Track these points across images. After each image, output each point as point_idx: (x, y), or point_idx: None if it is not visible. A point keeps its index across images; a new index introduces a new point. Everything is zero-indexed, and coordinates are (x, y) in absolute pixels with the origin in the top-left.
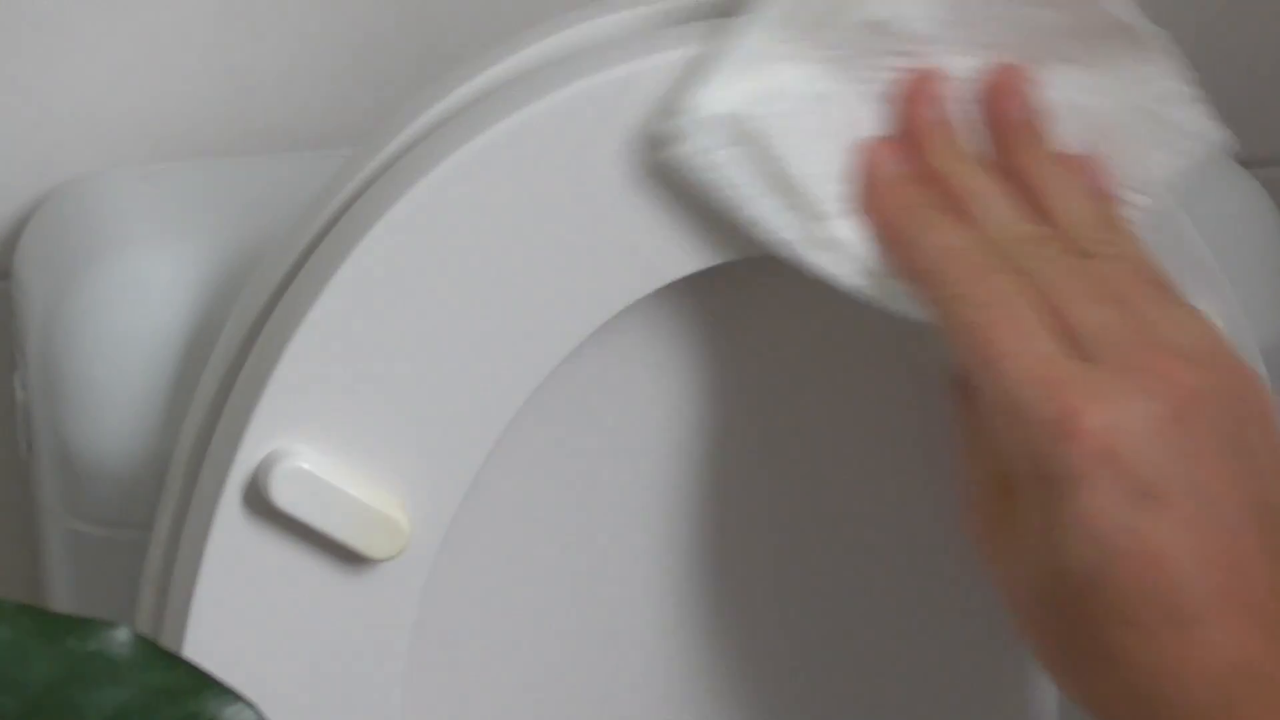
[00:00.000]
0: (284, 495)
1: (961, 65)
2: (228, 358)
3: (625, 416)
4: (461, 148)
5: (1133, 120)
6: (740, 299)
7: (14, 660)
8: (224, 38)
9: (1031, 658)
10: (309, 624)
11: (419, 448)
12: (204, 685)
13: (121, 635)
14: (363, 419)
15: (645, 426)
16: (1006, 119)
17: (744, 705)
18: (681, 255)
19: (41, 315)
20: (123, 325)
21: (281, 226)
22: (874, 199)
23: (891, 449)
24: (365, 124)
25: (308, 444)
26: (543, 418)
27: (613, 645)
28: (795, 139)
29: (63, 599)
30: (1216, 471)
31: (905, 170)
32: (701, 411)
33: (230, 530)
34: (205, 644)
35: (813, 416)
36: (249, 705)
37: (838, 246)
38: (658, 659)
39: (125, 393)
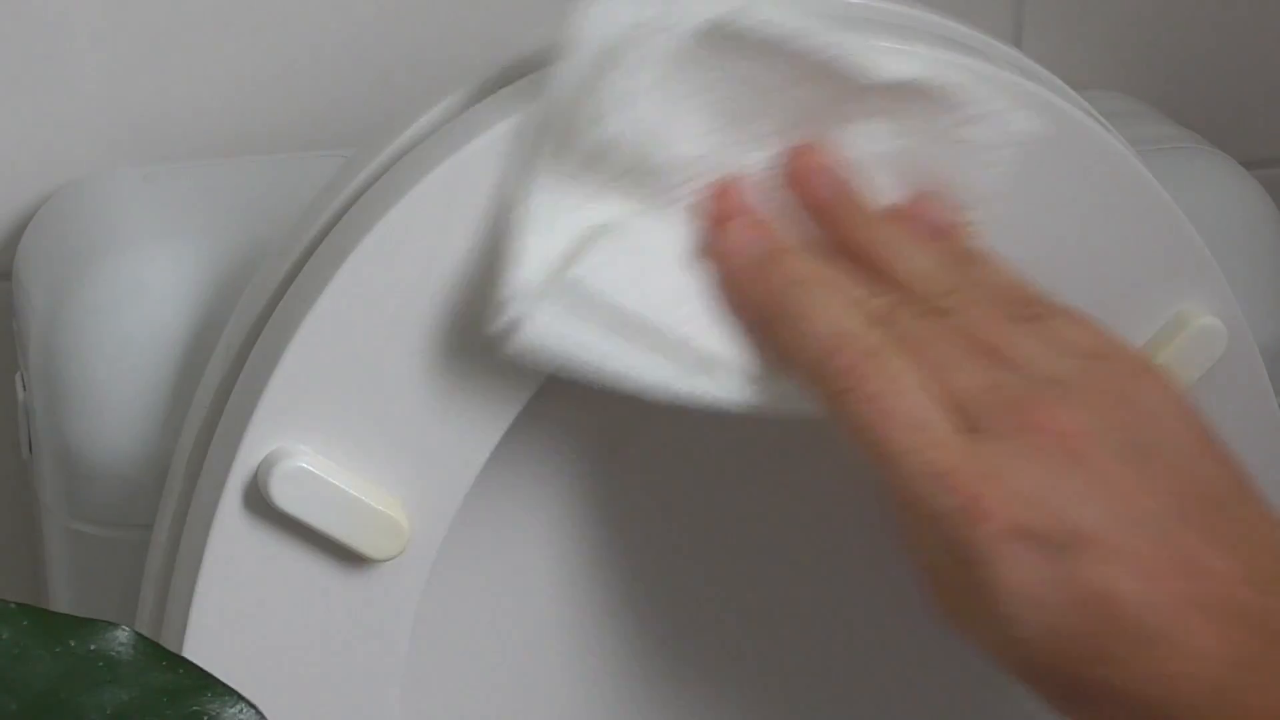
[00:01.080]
0: (284, 495)
1: (753, 159)
2: (228, 358)
3: (626, 417)
4: (462, 148)
5: (936, 150)
6: None
7: (15, 660)
8: (224, 39)
9: None
10: (309, 624)
11: (419, 448)
12: (205, 685)
13: (122, 635)
14: (363, 419)
15: (646, 427)
16: (819, 198)
17: (741, 707)
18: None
19: (43, 316)
20: (123, 326)
21: (282, 227)
22: (735, 293)
23: None
24: (365, 125)
25: (308, 444)
26: (543, 418)
27: (612, 646)
28: (625, 282)
29: (63, 599)
30: (1129, 489)
31: (756, 255)
32: (704, 413)
33: (231, 530)
34: (206, 644)
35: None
36: (249, 705)
37: (711, 365)
38: (656, 660)
39: (126, 393)
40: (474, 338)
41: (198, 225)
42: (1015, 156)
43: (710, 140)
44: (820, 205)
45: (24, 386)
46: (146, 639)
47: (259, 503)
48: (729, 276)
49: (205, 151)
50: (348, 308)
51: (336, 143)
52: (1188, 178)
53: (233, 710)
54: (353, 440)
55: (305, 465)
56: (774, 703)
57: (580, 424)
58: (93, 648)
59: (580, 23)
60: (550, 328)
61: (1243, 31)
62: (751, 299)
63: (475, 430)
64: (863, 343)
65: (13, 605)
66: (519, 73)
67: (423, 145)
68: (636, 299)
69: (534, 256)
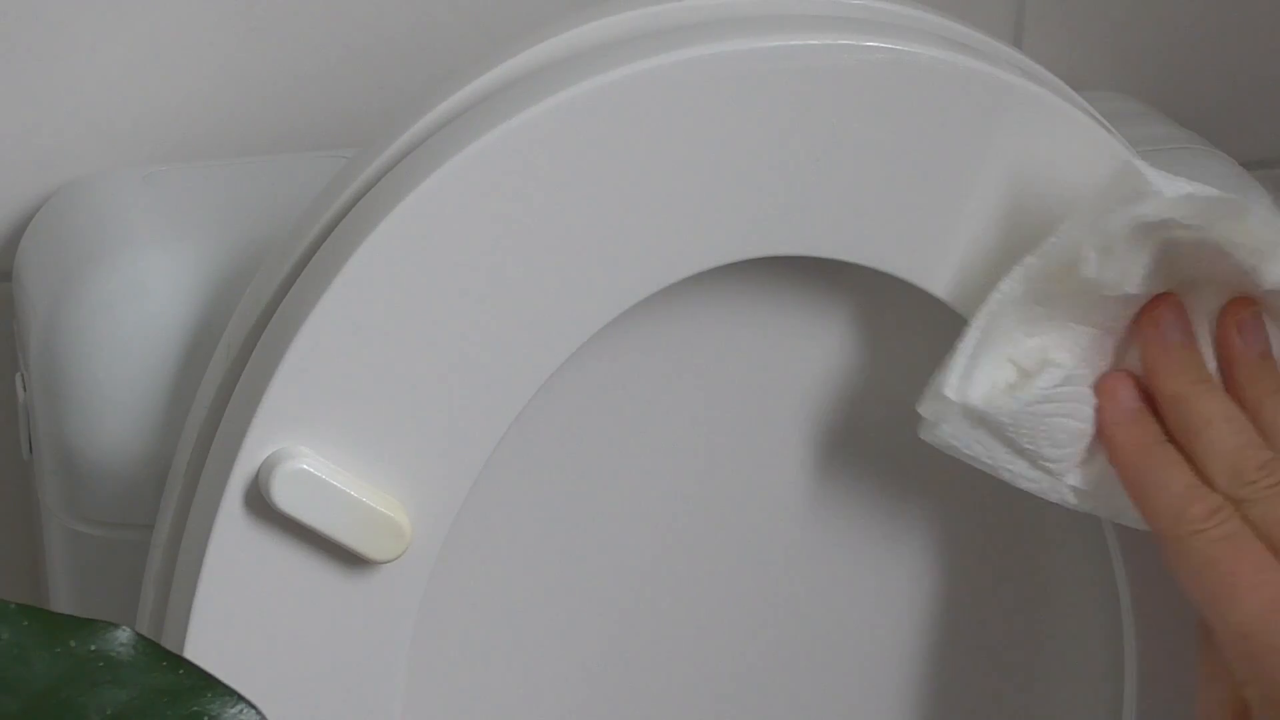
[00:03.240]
0: (285, 497)
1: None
2: (229, 359)
3: (626, 418)
4: (463, 150)
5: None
6: (744, 301)
7: (15, 660)
8: (225, 40)
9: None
10: (310, 625)
11: (420, 449)
12: (206, 686)
13: (123, 636)
14: (364, 421)
15: (647, 428)
16: (1240, 352)
17: (744, 706)
18: (685, 256)
19: (43, 316)
20: (124, 326)
21: (283, 228)
22: (1111, 437)
23: (897, 447)
24: (367, 126)
25: (309, 445)
26: (544, 419)
27: (614, 646)
28: (1031, 426)
29: (64, 600)
30: None
31: (1138, 405)
32: (704, 413)
33: (232, 531)
34: (207, 645)
35: (822, 412)
36: (250, 706)
37: (1079, 492)
38: (659, 659)
39: (127, 394)
40: (474, 338)
41: (198, 225)
42: None
43: (1137, 282)
44: (1237, 357)
45: (24, 386)
46: (147, 639)
47: (260, 504)
48: (1107, 422)
49: (205, 151)
50: (348, 309)
51: (336, 143)
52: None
53: (233, 711)
54: (354, 442)
55: (306, 467)
56: (776, 702)
57: (580, 424)
58: (93, 648)
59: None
60: (960, 436)
61: (1243, 31)
62: (1119, 450)
63: (475, 431)
64: (1216, 498)
65: (13, 605)
66: (519, 74)
67: (423, 145)
68: (1037, 441)
69: (967, 376)
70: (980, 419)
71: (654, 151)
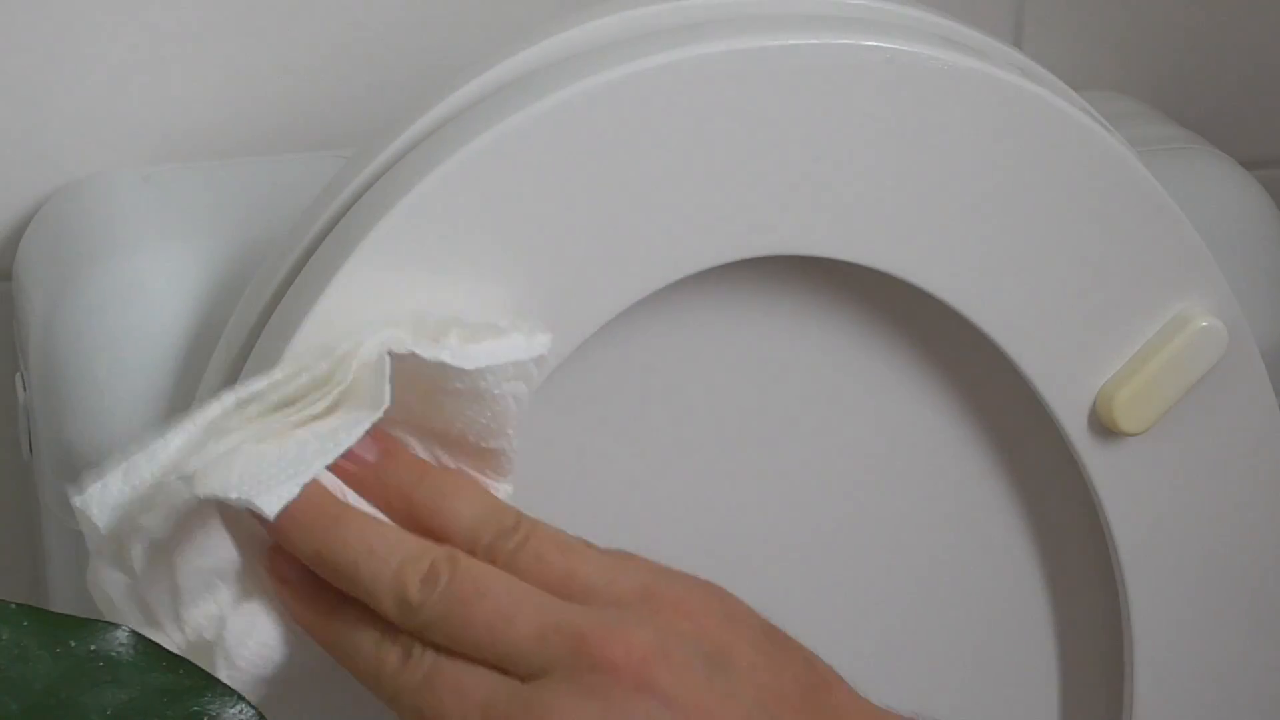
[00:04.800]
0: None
1: None
2: (229, 358)
3: (626, 417)
4: (462, 149)
5: (446, 402)
6: (744, 301)
7: (15, 660)
8: (224, 40)
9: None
10: None
11: None
12: (205, 686)
13: (122, 635)
14: None
15: (646, 427)
16: (366, 465)
17: None
18: (685, 256)
19: (43, 316)
20: (124, 326)
21: (282, 228)
22: (300, 623)
23: (899, 446)
24: (367, 125)
25: None
26: (543, 418)
27: None
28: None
29: (64, 600)
30: (710, 706)
31: (295, 578)
32: (703, 412)
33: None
34: None
35: (822, 413)
36: (250, 706)
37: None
38: None
39: (126, 393)
40: None
41: (198, 225)
42: (519, 379)
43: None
44: (366, 472)
45: (24, 386)
46: (146, 639)
47: None
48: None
49: (205, 152)
50: (348, 308)
51: (336, 143)
52: (1188, 178)
53: (233, 710)
54: None
55: None
56: None
57: (580, 423)
58: (93, 648)
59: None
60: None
61: (1243, 31)
62: (313, 634)
63: None
64: (401, 642)
65: (13, 605)
66: (518, 73)
67: (422, 145)
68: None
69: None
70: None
71: (653, 151)
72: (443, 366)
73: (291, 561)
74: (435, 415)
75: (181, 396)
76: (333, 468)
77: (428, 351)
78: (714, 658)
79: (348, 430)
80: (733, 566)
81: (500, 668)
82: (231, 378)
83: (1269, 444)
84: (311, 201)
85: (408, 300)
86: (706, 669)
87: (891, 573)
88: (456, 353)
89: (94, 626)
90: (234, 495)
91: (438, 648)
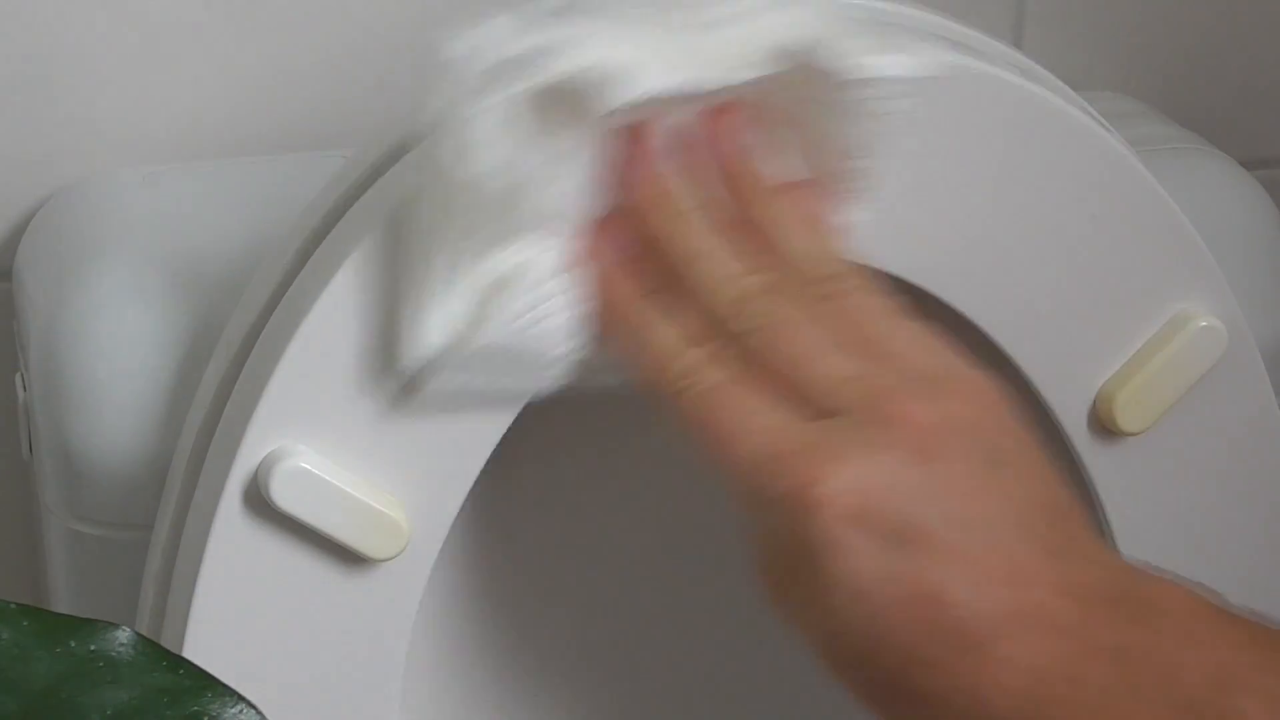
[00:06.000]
0: (284, 495)
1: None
2: (228, 358)
3: (626, 417)
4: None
5: (821, 105)
6: None
7: (15, 660)
8: (224, 40)
9: None
10: (309, 624)
11: (419, 448)
12: (205, 686)
13: (122, 636)
14: (363, 419)
15: (646, 427)
16: (723, 163)
17: (744, 705)
18: None
19: (43, 316)
20: (124, 326)
21: (281, 227)
22: (596, 301)
23: None
24: (367, 125)
25: (308, 444)
26: (543, 418)
27: (611, 646)
28: (520, 342)
29: (64, 599)
30: (973, 494)
31: (618, 256)
32: None
33: (231, 530)
34: (206, 644)
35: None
36: (250, 706)
37: (599, 369)
38: (656, 659)
39: (126, 393)
40: None
41: (198, 226)
42: (908, 98)
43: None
44: (721, 169)
45: (24, 386)
46: (147, 639)
47: (259, 503)
48: (590, 284)
49: (205, 152)
50: (348, 308)
51: (336, 143)
52: (1188, 178)
53: (233, 710)
54: (353, 440)
55: (305, 465)
56: (774, 703)
57: (580, 424)
58: (93, 648)
59: (440, 70)
60: (451, 386)
61: (1243, 31)
62: (602, 315)
63: (475, 430)
64: (701, 351)
65: (13, 605)
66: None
67: (423, 145)
68: (528, 339)
69: (435, 323)
70: (460, 361)
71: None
72: (833, 72)
73: (615, 242)
74: (804, 121)
75: (181, 396)
76: (697, 154)
77: (830, 50)
78: (991, 454)
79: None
80: (733, 567)
81: (789, 401)
82: (231, 378)
83: (1269, 444)
84: (311, 201)
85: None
86: (984, 460)
87: None
88: (859, 58)
89: (94, 626)
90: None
91: (735, 367)
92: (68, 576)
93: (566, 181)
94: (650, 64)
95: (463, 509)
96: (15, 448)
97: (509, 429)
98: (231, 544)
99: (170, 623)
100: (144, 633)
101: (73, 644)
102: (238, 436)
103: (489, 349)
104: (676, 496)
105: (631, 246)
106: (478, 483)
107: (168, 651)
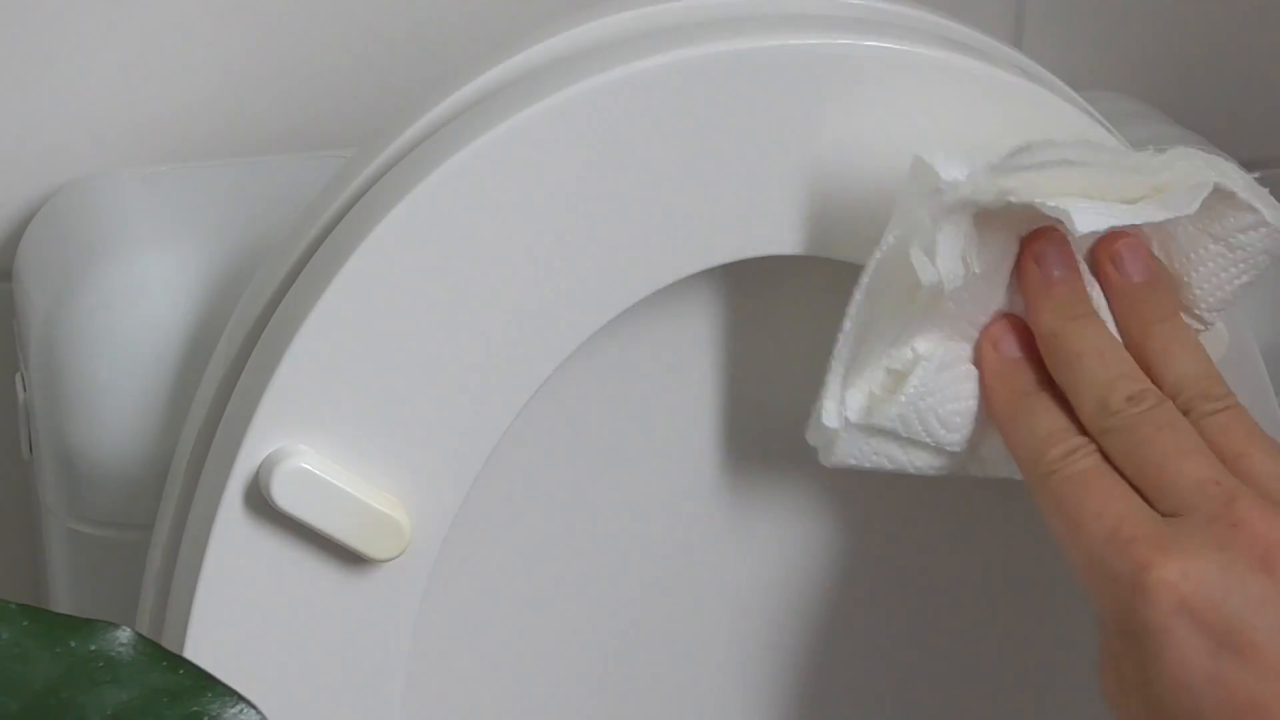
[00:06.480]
0: (285, 496)
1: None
2: (229, 358)
3: (627, 416)
4: (463, 149)
5: (1208, 246)
6: (744, 301)
7: (15, 660)
8: (225, 39)
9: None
10: (310, 624)
11: (420, 448)
12: (206, 686)
13: (123, 636)
14: (364, 419)
15: (647, 427)
16: (1117, 281)
17: (745, 707)
18: (685, 256)
19: (43, 316)
20: (124, 326)
21: (283, 228)
22: (988, 389)
23: None
24: (367, 125)
25: (309, 444)
26: (544, 418)
27: (614, 644)
28: (919, 420)
29: (64, 600)
30: None
31: (1016, 355)
32: (703, 412)
33: (231, 531)
34: (207, 644)
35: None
36: (250, 706)
37: (987, 461)
38: (659, 658)
39: (127, 393)
40: (473, 336)
41: (198, 225)
42: (1265, 267)
43: (987, 258)
44: (1125, 287)
45: (24, 386)
46: (147, 639)
47: (260, 503)
48: (985, 374)
49: (205, 152)
50: (348, 308)
51: (336, 143)
52: None
53: (233, 711)
54: (354, 440)
55: (306, 465)
56: (777, 700)
57: (580, 424)
58: (93, 648)
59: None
60: (860, 449)
61: (1243, 32)
62: (993, 402)
63: (475, 429)
64: (1075, 441)
65: (13, 605)
66: (518, 74)
67: (422, 145)
68: (932, 422)
69: (854, 390)
70: (868, 431)
71: (652, 151)
72: (1234, 215)
73: (1011, 334)
74: (1195, 256)
75: (181, 396)
76: (1100, 274)
77: (1240, 190)
78: (1261, 605)
79: (1166, 206)
80: (733, 565)
81: (1148, 497)
82: (232, 377)
83: None
84: (311, 202)
85: (407, 299)
86: (1247, 604)
87: (889, 570)
88: (1257, 203)
89: (94, 626)
90: (1051, 204)
91: (1104, 459)
92: (68, 576)
93: (985, 285)
94: (1089, 203)
95: (463, 509)
96: (15, 448)
97: (510, 428)
98: (232, 544)
99: (170, 623)
100: (144, 633)
101: (73, 644)
102: (239, 437)
103: (892, 424)
104: (677, 495)
105: (1028, 345)
106: (478, 483)
107: (168, 651)
